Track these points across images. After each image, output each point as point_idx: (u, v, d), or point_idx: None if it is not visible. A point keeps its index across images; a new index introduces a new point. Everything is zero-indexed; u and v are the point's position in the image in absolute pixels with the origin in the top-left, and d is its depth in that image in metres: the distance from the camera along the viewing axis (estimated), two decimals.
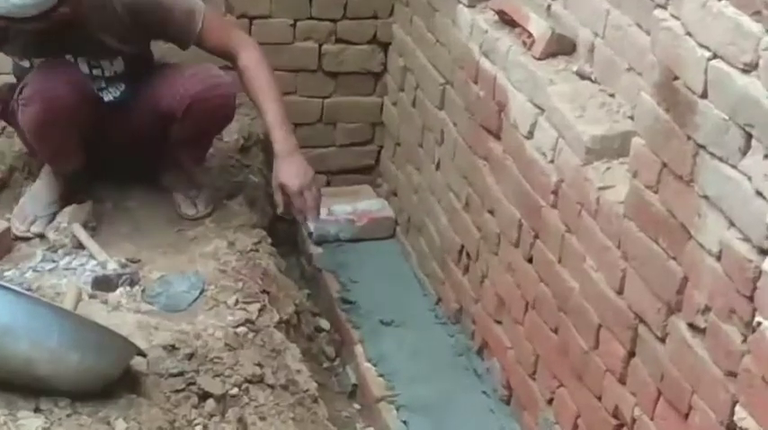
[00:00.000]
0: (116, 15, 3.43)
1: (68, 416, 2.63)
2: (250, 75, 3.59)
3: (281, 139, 3.54)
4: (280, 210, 3.59)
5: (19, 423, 2.60)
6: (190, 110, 3.50)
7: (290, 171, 3.51)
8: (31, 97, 3.36)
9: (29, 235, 3.53)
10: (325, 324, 3.87)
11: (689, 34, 2.26)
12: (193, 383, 2.94)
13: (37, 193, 3.63)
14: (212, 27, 3.59)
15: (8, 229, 3.46)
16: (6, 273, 3.30)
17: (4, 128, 3.94)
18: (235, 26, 3.91)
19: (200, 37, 3.56)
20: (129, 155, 3.76)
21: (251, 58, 3.60)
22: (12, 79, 3.70)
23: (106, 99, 3.65)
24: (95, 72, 3.61)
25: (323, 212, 3.90)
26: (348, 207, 4.28)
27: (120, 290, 3.29)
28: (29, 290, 3.13)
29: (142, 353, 2.89)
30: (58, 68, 3.45)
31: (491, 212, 3.42)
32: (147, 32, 3.59)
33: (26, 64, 3.53)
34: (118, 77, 3.64)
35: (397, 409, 3.39)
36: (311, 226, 3.60)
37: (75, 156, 3.59)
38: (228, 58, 3.64)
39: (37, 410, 2.63)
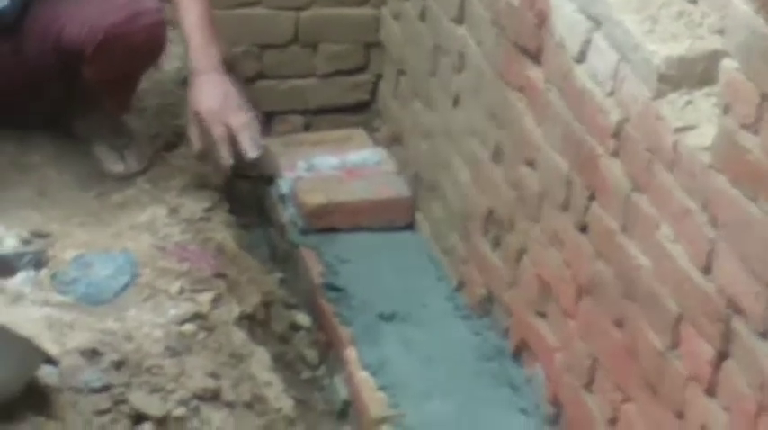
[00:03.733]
0: None
1: None
2: None
3: (199, 49, 3.59)
4: (195, 148, 3.61)
5: None
6: (104, 46, 3.50)
7: (207, 92, 3.56)
8: None
9: None
10: (304, 319, 3.78)
11: None
12: (123, 401, 2.90)
13: None
14: None
15: None
16: None
17: None
18: None
19: None
20: (26, 97, 3.74)
21: None
22: None
23: None
24: None
25: (301, 167, 4.09)
26: (334, 159, 4.20)
27: (21, 274, 3.27)
28: None
29: (53, 361, 2.84)
30: None
31: (530, 164, 3.35)
32: None
33: None
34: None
35: None
36: (250, 152, 3.55)
37: None
38: None
39: None
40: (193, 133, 3.59)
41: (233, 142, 3.54)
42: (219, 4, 4.04)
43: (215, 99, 3.54)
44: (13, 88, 3.65)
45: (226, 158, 3.54)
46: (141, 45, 3.58)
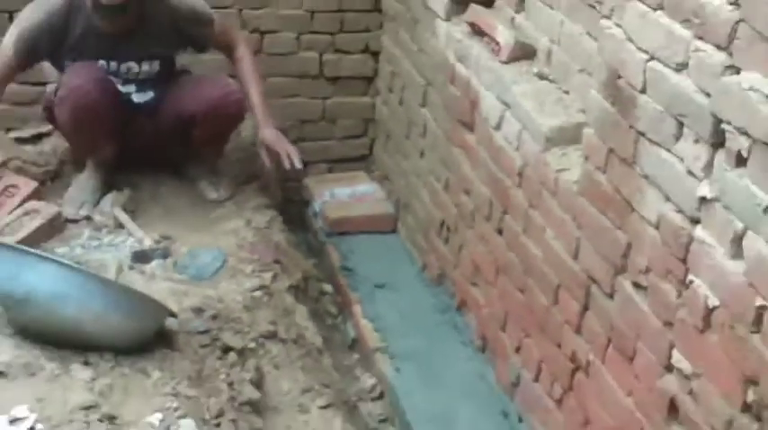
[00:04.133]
0: (165, 26, 3.78)
1: (112, 368, 2.83)
2: (241, 65, 3.97)
3: (261, 113, 3.89)
4: (268, 163, 3.98)
5: (71, 374, 2.77)
6: (209, 113, 3.76)
7: (270, 133, 3.85)
8: (64, 97, 3.60)
9: (77, 217, 3.71)
10: (328, 288, 4.13)
11: (630, 40, 2.44)
12: (217, 339, 3.16)
13: (83, 182, 3.81)
14: (220, 31, 3.96)
15: (59, 213, 3.65)
16: (58, 250, 3.47)
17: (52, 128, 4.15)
18: (232, 25, 4.21)
19: (213, 41, 3.99)
20: (158, 150, 3.97)
21: (244, 53, 3.98)
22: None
23: (136, 101, 3.89)
24: (132, 74, 3.86)
25: (326, 195, 4.29)
26: (347, 190, 4.53)
27: (154, 262, 3.53)
28: (77, 263, 3.25)
29: (174, 315, 3.10)
30: (86, 71, 3.65)
31: (466, 193, 3.62)
32: (183, 40, 3.92)
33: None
34: (150, 81, 3.88)
35: (391, 358, 3.60)
36: (297, 164, 3.80)
37: (105, 148, 3.78)
38: (224, 50, 4.03)
39: (86, 364, 2.82)
40: (265, 156, 3.93)
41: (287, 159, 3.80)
42: (274, 94, 4.34)
43: (275, 136, 3.85)
44: (150, 147, 3.97)
45: (286, 164, 3.78)
46: (231, 112, 3.86)
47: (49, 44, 3.69)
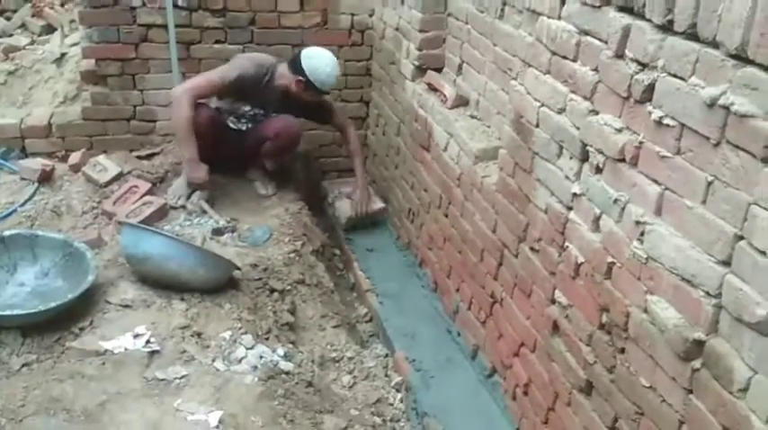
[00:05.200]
0: (304, 102, 3.73)
1: (199, 302, 2.87)
2: (350, 146, 4.03)
3: (359, 177, 4.00)
4: (351, 210, 3.98)
5: (173, 306, 2.83)
6: (276, 137, 3.74)
7: (360, 192, 3.97)
8: (197, 118, 3.53)
9: (177, 205, 3.65)
10: (337, 251, 4.04)
11: (529, 93, 2.41)
12: (266, 284, 3.16)
13: (181, 183, 3.72)
14: (337, 117, 4.02)
15: (165, 204, 3.62)
16: (165, 227, 3.46)
17: (161, 150, 4.10)
18: (344, 114, 4.15)
19: (331, 122, 4.03)
20: (238, 160, 3.89)
21: (351, 136, 4.02)
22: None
23: (235, 128, 3.81)
24: (248, 114, 3.79)
25: (336, 192, 4.14)
26: (349, 189, 4.15)
27: (226, 235, 3.48)
28: (177, 235, 3.29)
29: (239, 268, 3.09)
30: (207, 110, 3.64)
31: (425, 190, 3.55)
32: (311, 114, 3.92)
33: (246, 107, 3.75)
34: (252, 118, 3.80)
35: (376, 296, 3.52)
36: (362, 213, 3.96)
37: (204, 156, 3.63)
38: (340, 130, 4.06)
39: (182, 299, 2.87)
40: (352, 204, 3.97)
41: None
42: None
43: (363, 196, 3.96)
44: (233, 158, 3.86)
45: (359, 212, 3.95)
46: (289, 138, 3.78)
47: (242, 88, 3.63)
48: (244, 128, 3.83)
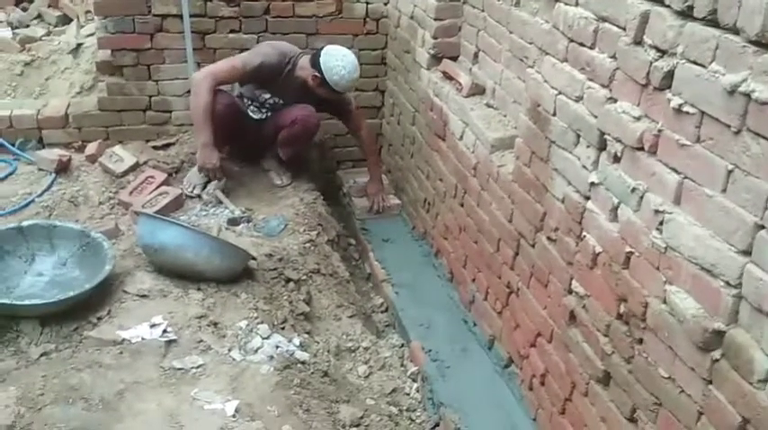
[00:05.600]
0: (323, 97, 3.72)
1: (215, 291, 2.89)
2: (363, 142, 4.04)
3: (372, 173, 4.02)
4: (367, 207, 4.00)
5: (189, 296, 2.85)
6: (293, 124, 3.74)
7: (372, 187, 3.99)
8: (217, 105, 3.56)
9: (192, 195, 3.69)
10: (352, 241, 4.03)
11: (546, 81, 2.40)
12: (282, 273, 3.16)
13: (195, 172, 3.74)
14: (355, 115, 4.00)
15: (181, 194, 3.65)
16: (181, 217, 3.47)
17: (176, 140, 4.13)
18: (361, 113, 4.13)
19: (348, 118, 3.99)
20: (252, 150, 3.92)
21: (364, 134, 4.02)
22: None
23: (256, 117, 3.83)
24: (268, 103, 3.79)
25: (351, 182, 4.16)
26: (364, 179, 4.18)
27: (242, 225, 3.49)
28: (193, 225, 3.31)
29: (254, 258, 3.10)
30: (226, 96, 3.67)
31: (441, 180, 3.53)
32: (329, 107, 3.89)
33: (266, 95, 3.76)
34: (272, 107, 3.81)
35: (392, 286, 3.51)
36: (380, 209, 3.98)
37: (222, 142, 3.73)
38: (355, 129, 4.03)
39: (198, 289, 2.89)
40: (366, 199, 4.00)
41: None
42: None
43: (376, 189, 3.98)
44: (249, 146, 3.90)
45: (374, 208, 3.97)
46: (307, 126, 3.76)
47: (264, 76, 3.64)
48: (263, 116, 3.84)
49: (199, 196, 3.68)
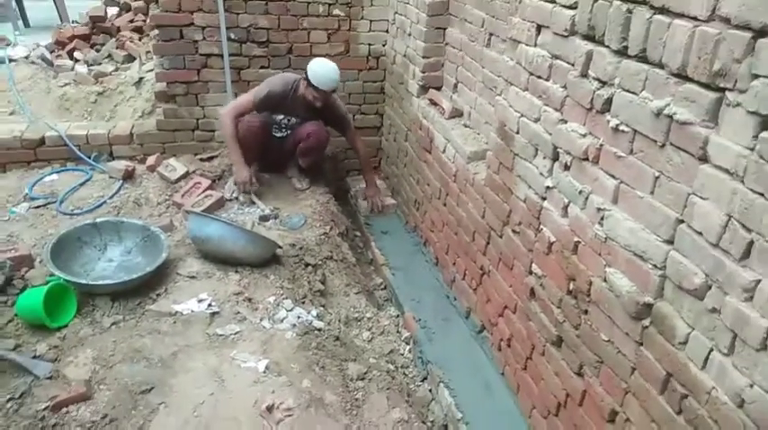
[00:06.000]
0: (331, 110, 3.68)
1: (249, 273, 2.86)
2: (359, 154, 3.93)
3: (368, 181, 3.96)
4: (367, 209, 3.91)
5: (229, 277, 2.81)
6: (309, 137, 3.67)
7: (370, 190, 3.91)
8: (247, 124, 3.53)
9: (231, 198, 3.61)
10: (358, 233, 3.93)
11: (511, 106, 2.35)
12: (302, 259, 3.13)
13: (233, 181, 3.63)
14: (352, 133, 3.90)
15: (222, 196, 3.56)
16: (222, 215, 3.40)
17: (219, 153, 4.02)
18: (357, 132, 3.98)
19: (347, 131, 3.88)
20: (276, 161, 3.83)
21: (360, 148, 3.92)
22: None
23: (278, 136, 3.75)
24: (286, 123, 3.69)
25: (357, 187, 4.05)
26: (365, 189, 3.98)
27: (270, 221, 3.45)
28: (232, 221, 3.23)
29: (281, 247, 3.08)
30: (258, 117, 3.56)
31: (428, 184, 3.46)
32: (333, 121, 3.79)
33: (280, 116, 3.66)
34: (291, 127, 3.72)
35: (389, 269, 3.44)
36: (379, 209, 3.85)
37: (255, 156, 3.65)
38: (351, 141, 3.93)
39: (236, 271, 2.86)
40: (367, 202, 3.90)
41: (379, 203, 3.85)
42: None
43: (373, 193, 3.85)
44: (275, 159, 3.81)
45: (375, 209, 3.87)
46: (319, 139, 3.69)
47: (273, 101, 3.58)
48: (284, 135, 3.80)
49: (236, 198, 3.62)
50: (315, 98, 3.49)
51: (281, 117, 3.70)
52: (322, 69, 3.45)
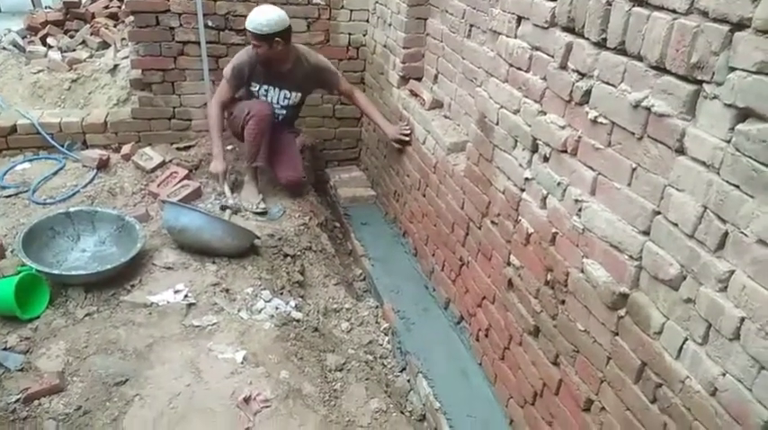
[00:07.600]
0: (305, 67, 3.45)
1: (227, 264, 2.83)
2: (361, 104, 3.64)
3: (382, 121, 3.56)
4: (400, 140, 3.45)
5: (206, 268, 2.79)
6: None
7: (391, 130, 3.49)
8: (254, 115, 3.35)
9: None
10: (337, 224, 3.89)
11: (491, 98, 2.34)
12: (281, 250, 3.10)
13: (248, 188, 3.52)
14: (343, 83, 3.61)
15: (200, 187, 3.42)
16: (200, 205, 3.30)
17: (195, 143, 3.95)
18: (348, 83, 3.72)
19: (338, 87, 3.61)
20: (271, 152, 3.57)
21: (359, 97, 3.65)
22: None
23: (275, 114, 3.55)
24: (285, 100, 3.52)
25: (336, 177, 3.95)
26: (347, 175, 4.16)
27: (228, 212, 3.28)
28: (209, 211, 3.16)
29: (258, 238, 3.03)
30: (261, 103, 3.42)
31: (408, 176, 3.44)
32: (317, 81, 3.55)
33: (255, 87, 3.45)
34: (288, 107, 3.55)
35: (369, 259, 3.43)
36: (407, 137, 3.39)
37: (264, 151, 3.48)
38: (348, 97, 3.66)
39: (213, 262, 2.84)
40: (394, 143, 3.48)
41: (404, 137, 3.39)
42: (312, 126, 4.02)
43: (395, 130, 3.45)
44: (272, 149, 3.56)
45: (405, 138, 3.38)
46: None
47: (242, 73, 3.41)
48: (281, 116, 3.61)
49: (236, 205, 3.39)
50: (255, 47, 3.27)
51: (257, 87, 3.48)
52: (252, 14, 3.23)
